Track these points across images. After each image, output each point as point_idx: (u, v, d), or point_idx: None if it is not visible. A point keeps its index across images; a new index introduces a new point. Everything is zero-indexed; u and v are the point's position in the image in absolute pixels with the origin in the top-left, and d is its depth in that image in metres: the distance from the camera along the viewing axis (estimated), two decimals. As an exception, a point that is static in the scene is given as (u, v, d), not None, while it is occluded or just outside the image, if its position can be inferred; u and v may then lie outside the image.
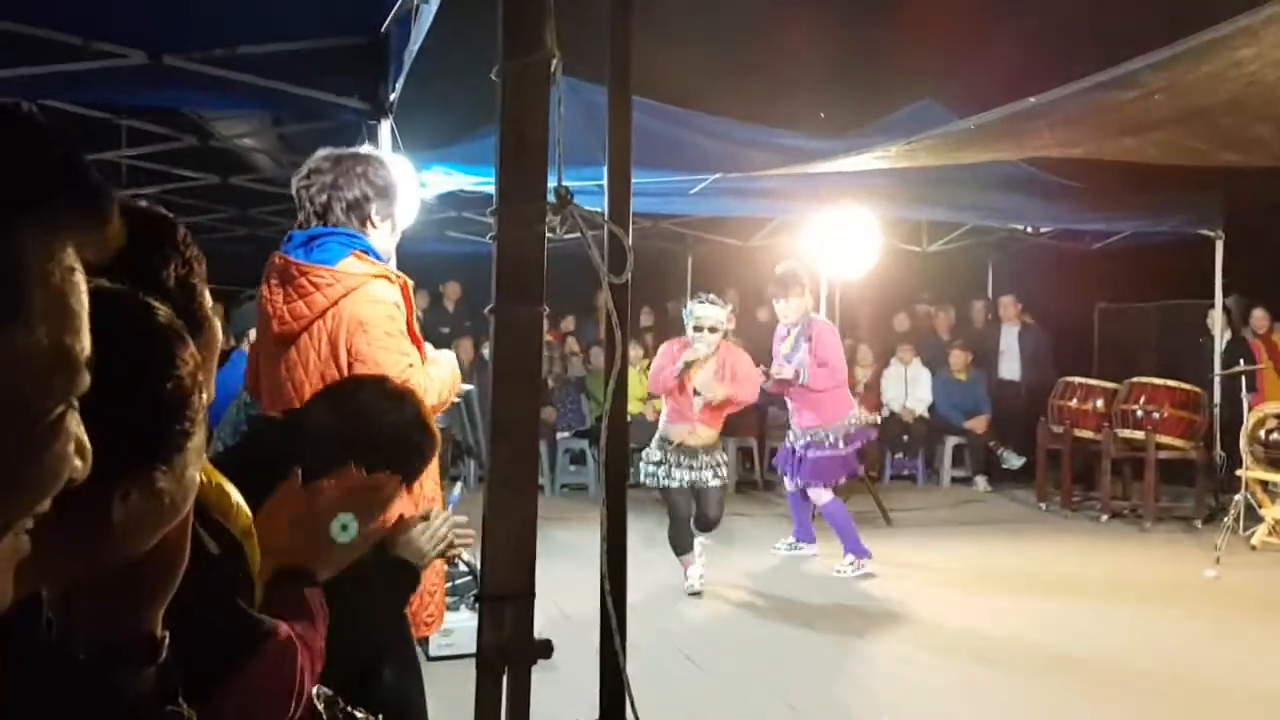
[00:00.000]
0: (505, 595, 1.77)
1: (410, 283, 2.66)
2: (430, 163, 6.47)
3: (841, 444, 6.17)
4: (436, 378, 2.64)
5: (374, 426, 1.79)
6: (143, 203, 1.42)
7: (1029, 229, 9.28)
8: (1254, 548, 6.83)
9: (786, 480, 6.65)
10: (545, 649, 1.81)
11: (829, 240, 7.63)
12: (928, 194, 8.00)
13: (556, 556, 6.12)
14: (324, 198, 2.62)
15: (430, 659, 4.34)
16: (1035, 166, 8.30)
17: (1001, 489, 9.34)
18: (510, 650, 1.78)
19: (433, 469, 2.57)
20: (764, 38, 10.97)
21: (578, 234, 1.78)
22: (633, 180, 7.15)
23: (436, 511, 1.98)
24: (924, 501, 8.73)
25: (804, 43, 10.53)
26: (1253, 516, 7.03)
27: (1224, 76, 4.40)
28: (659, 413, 9.50)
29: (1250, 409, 7.15)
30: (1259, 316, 8.89)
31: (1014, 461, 9.36)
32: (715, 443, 5.75)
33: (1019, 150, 6.44)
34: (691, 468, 5.62)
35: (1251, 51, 4.15)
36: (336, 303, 2.52)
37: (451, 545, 1.96)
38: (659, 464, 5.68)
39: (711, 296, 5.78)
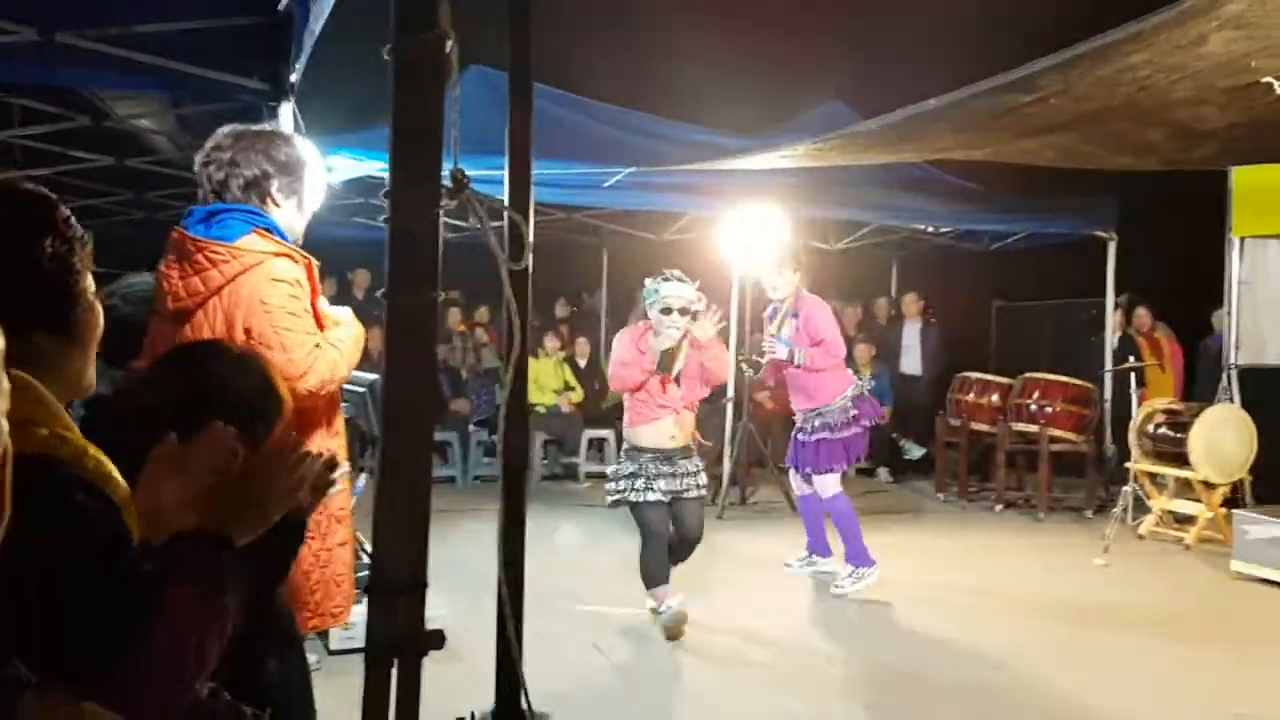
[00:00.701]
0: (396, 586, 1.75)
1: (316, 263, 2.61)
2: (337, 148, 6.35)
3: (842, 426, 5.66)
4: (343, 341, 2.60)
5: (220, 393, 1.73)
6: (29, 184, 1.38)
7: (931, 229, 9.51)
8: (1141, 537, 7.13)
9: (794, 479, 6.02)
10: (437, 640, 1.79)
11: (741, 236, 7.71)
12: (836, 193, 8.16)
13: (467, 548, 6.08)
14: (221, 175, 2.55)
15: (331, 653, 4.27)
16: (937, 168, 8.53)
17: (903, 480, 9.60)
18: (401, 642, 1.76)
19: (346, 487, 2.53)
20: (679, 36, 11.03)
21: (475, 219, 1.76)
22: (546, 171, 7.12)
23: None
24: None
25: (718, 43, 10.63)
26: (1141, 507, 7.34)
27: (1118, 81, 4.57)
28: (574, 404, 9.65)
29: (1139, 404, 7.45)
30: (1141, 315, 9.34)
31: (915, 453, 9.68)
32: (691, 446, 4.94)
33: (922, 152, 6.60)
34: (672, 476, 4.81)
35: (1143, 57, 4.31)
36: (234, 280, 2.46)
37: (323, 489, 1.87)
38: (631, 476, 4.82)
39: (677, 273, 4.92)
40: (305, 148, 2.71)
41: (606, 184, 7.25)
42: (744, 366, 5.85)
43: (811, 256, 9.81)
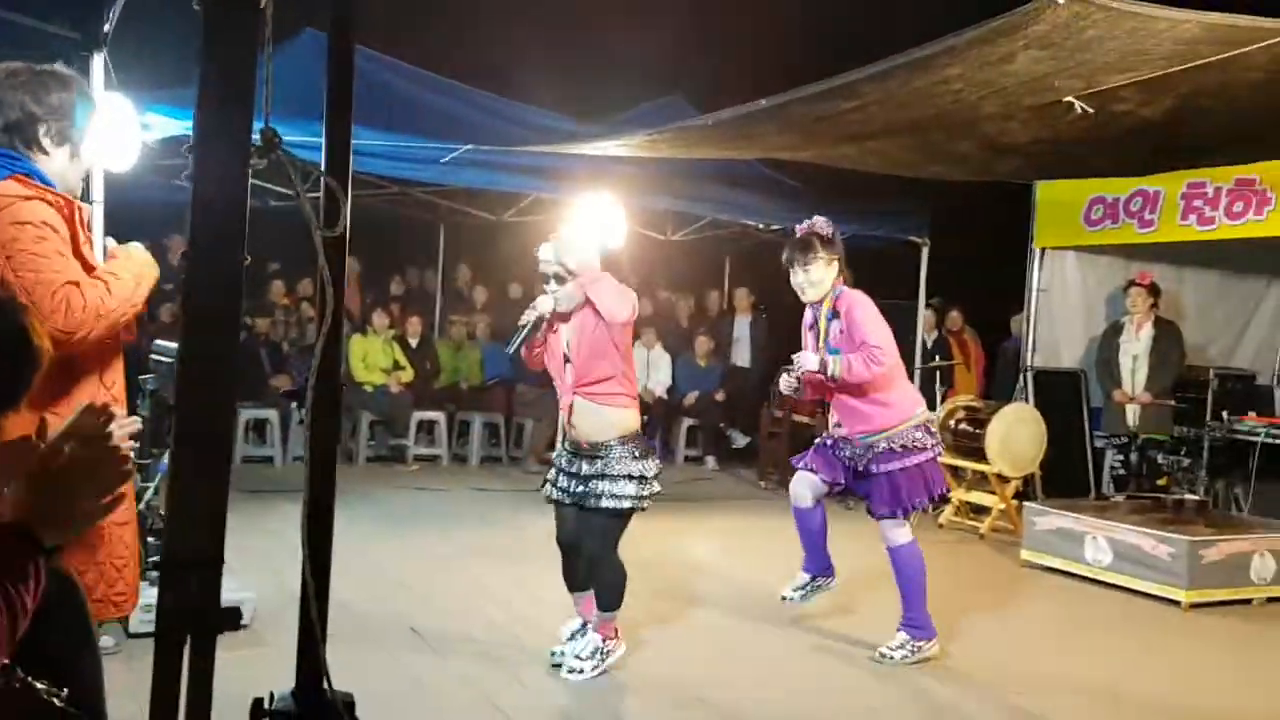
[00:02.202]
0: (189, 561, 1.69)
1: (83, 206, 2.47)
2: (154, 105, 6.02)
3: (919, 449, 4.49)
4: (118, 273, 2.47)
5: None
6: None
7: (761, 225, 9.81)
8: (941, 526, 7.59)
9: (797, 489, 4.73)
10: (232, 618, 1.74)
11: (579, 221, 7.74)
12: (673, 185, 8.30)
13: (282, 530, 5.91)
14: None
15: (130, 636, 4.09)
16: (767, 167, 8.80)
17: (728, 468, 9.91)
18: (194, 619, 1.70)
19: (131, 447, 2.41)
20: (523, 19, 10.97)
21: (291, 182, 1.72)
22: (380, 142, 6.92)
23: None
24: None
25: (562, 30, 10.64)
26: (942, 498, 7.80)
27: (932, 93, 4.84)
28: (403, 384, 9.46)
29: (942, 401, 7.91)
30: (954, 317, 9.95)
31: (740, 441, 10.05)
32: (620, 433, 4.06)
33: (751, 151, 6.80)
34: (572, 476, 4.11)
35: (956, 71, 4.57)
36: None
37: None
38: (554, 468, 4.26)
39: (559, 233, 4.28)
40: (85, 92, 2.55)
41: (443, 160, 7.15)
42: (785, 386, 4.66)
43: (646, 246, 10.01)
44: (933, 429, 4.66)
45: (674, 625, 4.91)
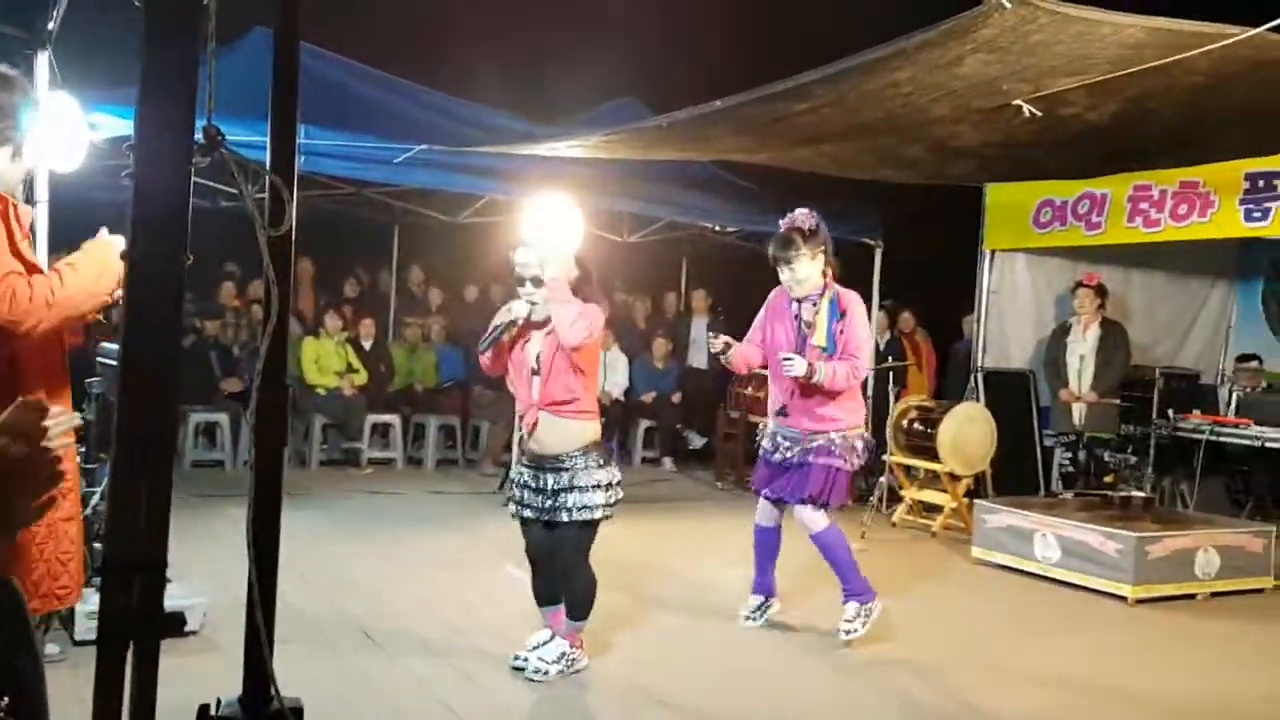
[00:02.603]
0: (132, 564, 1.66)
1: (21, 206, 2.43)
2: (101, 104, 5.91)
3: (857, 455, 4.67)
4: (73, 266, 2.43)
5: None
6: None
7: (717, 228, 9.85)
8: (894, 524, 7.67)
9: (761, 507, 4.86)
10: (176, 623, 1.71)
11: (535, 222, 7.71)
12: (629, 187, 8.30)
13: (240, 532, 5.80)
14: None
15: (76, 643, 4.01)
16: (722, 169, 8.84)
17: (685, 469, 9.93)
18: (136, 624, 1.68)
19: (70, 443, 2.36)
20: (476, 21, 10.93)
21: (230, 180, 1.70)
22: (332, 142, 6.83)
23: None
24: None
25: (517, 33, 10.61)
26: (895, 496, 7.90)
27: (883, 96, 4.89)
28: (356, 387, 9.37)
29: (895, 401, 7.99)
30: (906, 318, 10.06)
31: (696, 442, 10.10)
32: (583, 444, 4.03)
33: (707, 152, 6.82)
34: (537, 491, 4.03)
35: (906, 74, 4.62)
36: None
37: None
38: (517, 486, 4.16)
39: (537, 234, 4.26)
40: (27, 92, 2.51)
41: (397, 160, 7.09)
42: (713, 347, 4.64)
43: (603, 248, 10.01)
44: (862, 445, 4.74)
45: (631, 626, 4.91)
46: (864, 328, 4.62)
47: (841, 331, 4.56)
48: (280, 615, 5.12)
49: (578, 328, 3.88)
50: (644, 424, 10.26)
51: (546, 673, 4.09)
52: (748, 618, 4.91)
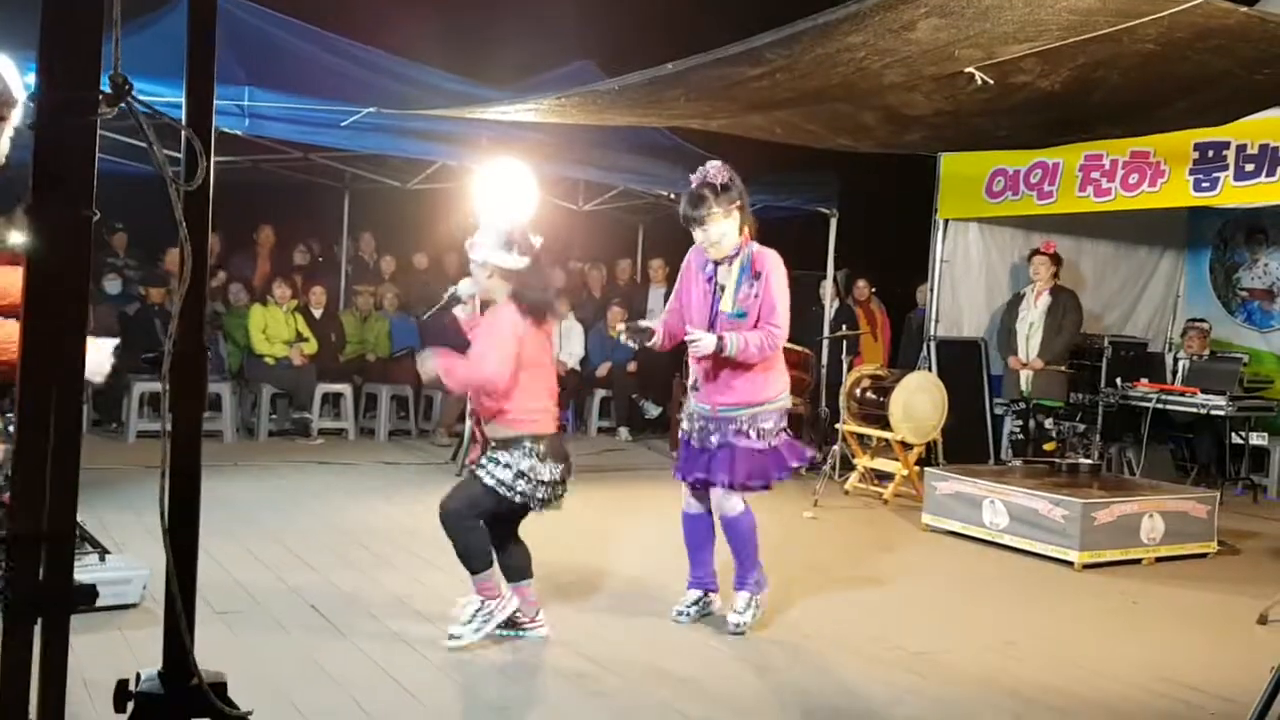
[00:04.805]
0: (39, 535, 1.59)
1: None
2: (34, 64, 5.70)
3: (777, 431, 4.36)
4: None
5: None
6: None
7: (672, 195, 9.77)
8: (847, 492, 7.72)
9: (686, 493, 4.55)
10: (87, 595, 1.65)
11: (489, 188, 7.60)
12: (585, 154, 8.21)
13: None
14: None
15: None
16: (679, 136, 8.76)
17: (641, 439, 9.94)
18: (45, 597, 1.61)
19: None
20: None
21: (139, 134, 1.61)
22: (279, 105, 6.65)
23: None
24: (571, 450, 8.99)
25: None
26: (847, 465, 7.94)
27: (837, 61, 4.82)
28: (306, 357, 9.21)
29: (849, 370, 8.01)
30: (860, 286, 10.09)
31: (652, 411, 10.09)
32: (531, 434, 4.07)
33: (661, 118, 6.74)
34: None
35: (859, 39, 4.56)
36: None
37: None
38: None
39: (482, 226, 4.16)
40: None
41: (345, 123, 6.94)
42: (623, 338, 4.43)
43: (558, 215, 9.91)
44: (782, 417, 4.42)
45: (583, 599, 4.89)
46: (781, 291, 4.27)
47: (756, 296, 4.26)
48: (226, 589, 5.05)
49: (474, 367, 4.00)
50: (600, 394, 10.23)
51: (460, 636, 4.07)
52: (681, 613, 4.52)
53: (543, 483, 4.08)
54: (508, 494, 4.03)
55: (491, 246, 4.05)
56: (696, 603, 4.56)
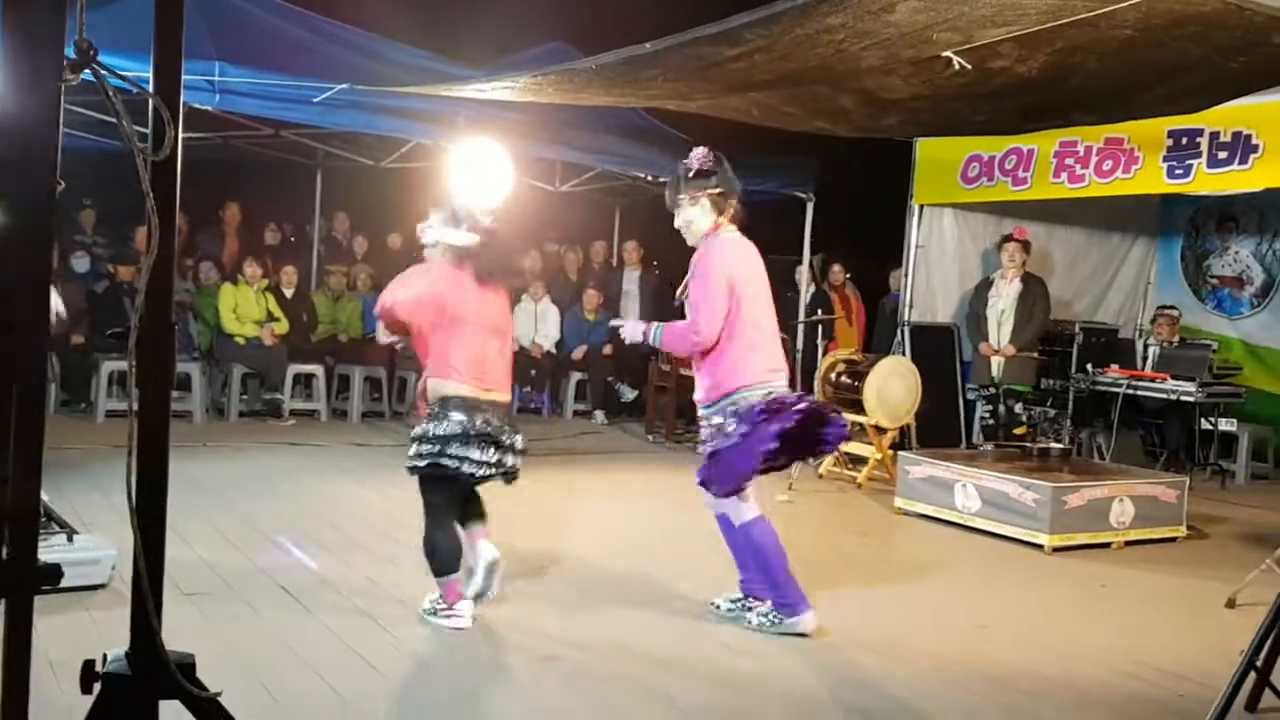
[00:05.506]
0: (2, 515, 1.56)
1: None
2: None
3: (739, 426, 4.06)
4: None
5: None
6: None
7: (650, 177, 9.75)
8: (821, 476, 7.74)
9: (704, 493, 4.36)
10: (52, 575, 1.62)
11: (464, 167, 7.53)
12: (561, 134, 8.14)
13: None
14: None
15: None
16: (655, 118, 8.72)
17: (617, 422, 9.92)
18: (10, 577, 1.58)
19: None
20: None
21: (103, 101, 1.57)
22: (250, 80, 6.56)
23: None
24: (548, 433, 9.00)
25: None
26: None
27: (816, 42, 4.79)
28: (277, 337, 9.11)
29: (824, 354, 8.03)
30: (835, 271, 10.10)
31: (628, 394, 10.08)
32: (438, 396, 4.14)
33: (639, 98, 6.69)
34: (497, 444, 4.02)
35: (839, 20, 4.53)
36: None
37: None
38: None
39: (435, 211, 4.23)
40: None
41: (317, 99, 6.84)
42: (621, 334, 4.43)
43: (534, 197, 9.85)
44: (745, 413, 4.07)
45: (555, 581, 4.88)
46: (708, 290, 4.04)
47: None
48: (196, 569, 5.00)
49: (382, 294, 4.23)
50: (575, 376, 10.20)
51: (434, 612, 4.14)
52: (715, 605, 4.42)
53: (438, 438, 3.94)
54: (422, 466, 4.01)
55: (440, 225, 4.12)
56: (735, 602, 4.40)
